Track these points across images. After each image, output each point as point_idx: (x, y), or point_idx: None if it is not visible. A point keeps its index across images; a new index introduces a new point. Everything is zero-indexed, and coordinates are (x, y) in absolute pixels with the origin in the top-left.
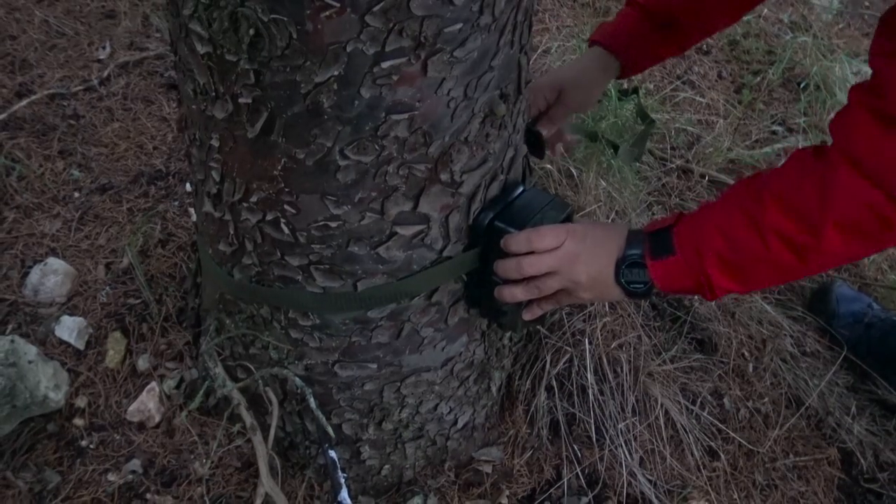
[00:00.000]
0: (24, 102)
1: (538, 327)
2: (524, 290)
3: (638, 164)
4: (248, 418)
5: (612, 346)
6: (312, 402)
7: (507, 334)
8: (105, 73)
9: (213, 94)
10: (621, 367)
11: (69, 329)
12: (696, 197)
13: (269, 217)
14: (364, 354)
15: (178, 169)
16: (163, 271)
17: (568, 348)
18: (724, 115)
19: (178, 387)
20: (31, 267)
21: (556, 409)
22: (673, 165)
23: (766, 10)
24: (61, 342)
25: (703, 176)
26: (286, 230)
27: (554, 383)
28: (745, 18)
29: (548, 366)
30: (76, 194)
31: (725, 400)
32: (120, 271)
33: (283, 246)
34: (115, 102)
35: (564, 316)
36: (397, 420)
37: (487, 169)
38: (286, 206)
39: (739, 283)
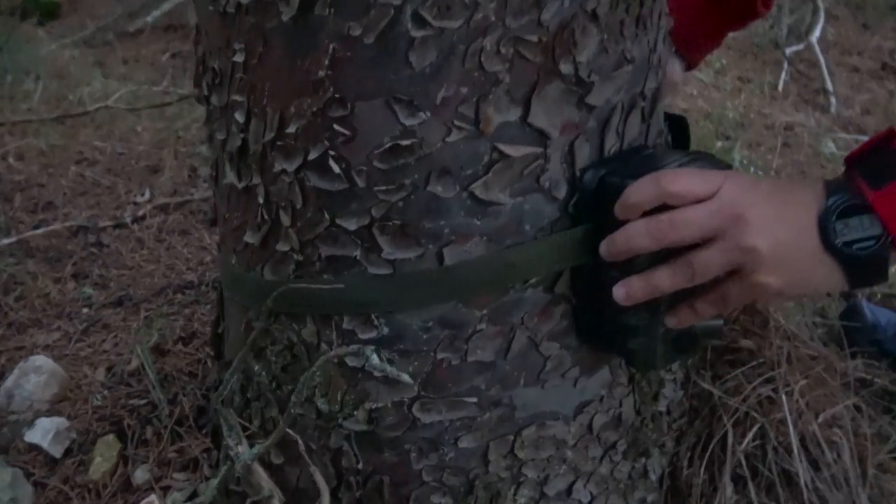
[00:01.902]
0: (39, 231)
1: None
2: (668, 274)
3: None
4: None
5: (820, 420)
6: (375, 359)
7: (664, 396)
8: (140, 213)
9: None
10: (839, 452)
11: (43, 431)
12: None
13: (312, 155)
14: (457, 384)
15: (214, 277)
16: (181, 369)
17: (757, 415)
18: None
19: (188, 500)
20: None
21: None
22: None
23: None
24: (31, 448)
25: (872, 294)
26: (337, 169)
27: (744, 468)
28: None
29: (730, 442)
30: (85, 310)
31: None
32: (125, 373)
33: (334, 201)
34: (148, 234)
35: (742, 375)
36: None
37: (625, 80)
38: (337, 128)
39: None
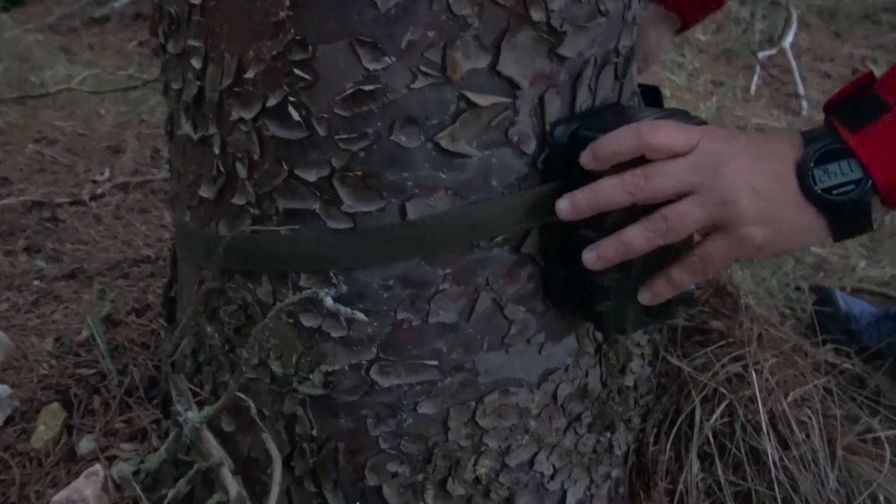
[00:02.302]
0: None
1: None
2: (640, 231)
3: None
4: (233, 487)
5: (789, 399)
6: (329, 301)
7: (631, 371)
8: (99, 191)
9: None
10: (808, 432)
11: None
12: None
13: (271, 102)
14: (418, 346)
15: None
16: (133, 340)
17: (725, 392)
18: (844, 250)
19: (136, 473)
20: None
21: (722, 486)
22: (802, 284)
23: None
24: None
25: (842, 288)
26: (297, 116)
27: (712, 446)
28: None
29: (698, 418)
30: (36, 282)
31: None
32: (74, 343)
33: (293, 151)
34: (106, 212)
35: (712, 353)
36: (471, 478)
37: (598, 34)
38: (297, 73)
39: None
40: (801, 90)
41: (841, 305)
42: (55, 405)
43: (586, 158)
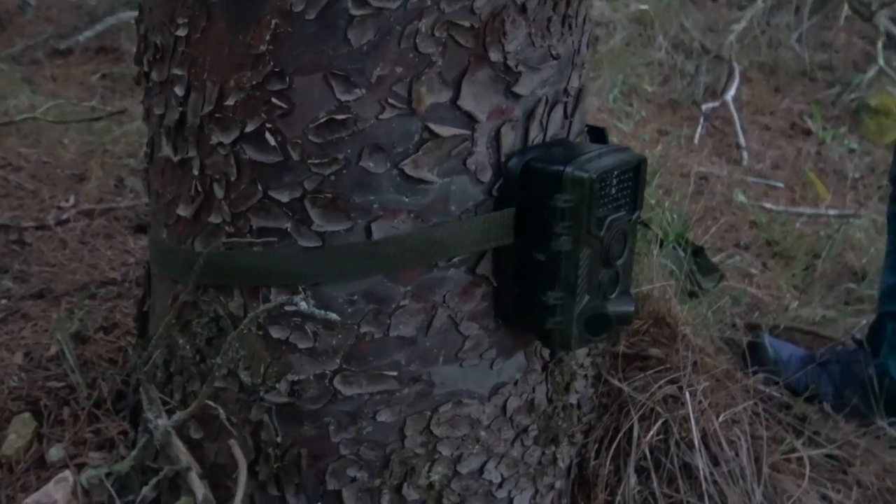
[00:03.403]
0: None
1: (602, 353)
2: None
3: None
4: (200, 491)
5: (720, 419)
6: (304, 305)
7: (575, 390)
8: (64, 216)
9: None
10: (737, 450)
11: None
12: None
13: (249, 128)
14: (379, 358)
15: (139, 275)
16: (101, 356)
17: (662, 411)
18: (778, 291)
19: (108, 475)
20: None
21: (657, 499)
22: (737, 322)
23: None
24: None
25: (775, 327)
26: (273, 142)
27: (648, 461)
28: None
29: (636, 435)
30: (3, 301)
31: None
32: (43, 358)
33: (268, 174)
34: (72, 236)
35: (650, 377)
36: (425, 484)
37: (550, 75)
38: (275, 101)
39: None
40: (742, 141)
41: (769, 353)
42: (26, 415)
43: None
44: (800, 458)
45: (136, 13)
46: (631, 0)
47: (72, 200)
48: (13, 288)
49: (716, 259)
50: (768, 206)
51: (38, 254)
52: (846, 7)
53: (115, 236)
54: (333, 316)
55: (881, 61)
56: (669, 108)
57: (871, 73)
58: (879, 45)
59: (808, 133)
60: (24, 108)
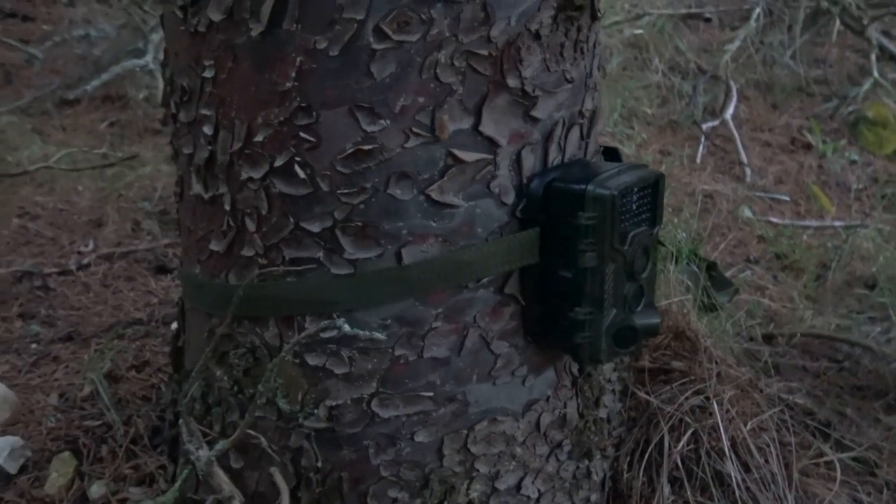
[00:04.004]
0: None
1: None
2: None
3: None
4: None
5: (748, 427)
6: (346, 327)
7: (604, 405)
8: (85, 261)
9: None
10: (766, 456)
11: None
12: (789, 361)
13: (278, 163)
14: (414, 380)
15: (164, 315)
16: (135, 393)
17: (690, 421)
18: (791, 302)
19: None
20: None
21: None
22: (755, 333)
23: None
24: None
25: (792, 336)
26: (302, 174)
27: (681, 470)
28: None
29: (667, 446)
30: (33, 346)
31: None
32: (78, 398)
33: (299, 206)
34: (94, 280)
35: (676, 389)
36: (465, 501)
37: (565, 98)
38: (302, 136)
39: None
40: (743, 158)
41: None
42: (66, 454)
43: None
44: (828, 463)
45: (139, 61)
46: (625, 25)
47: (91, 245)
48: (42, 332)
49: (728, 274)
50: (774, 220)
51: (63, 298)
52: (838, 22)
53: (137, 278)
54: (378, 335)
55: (875, 73)
56: (670, 129)
57: (867, 85)
58: (873, 57)
59: (808, 147)
60: (36, 158)
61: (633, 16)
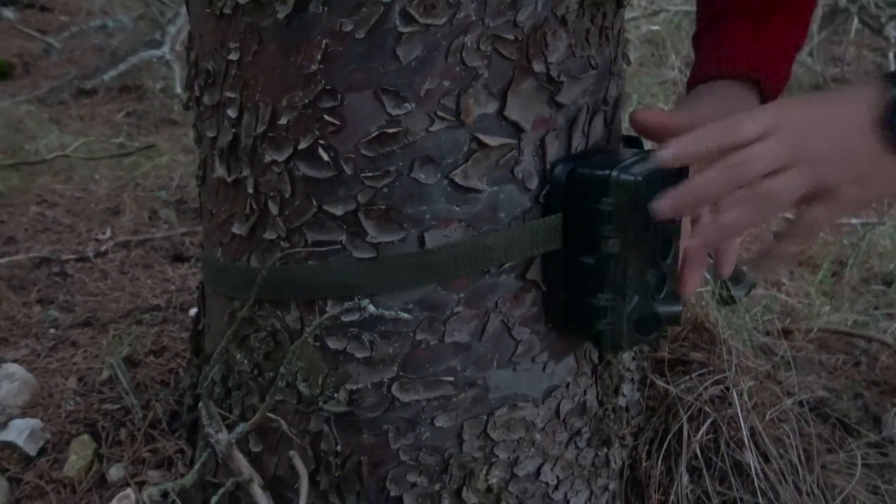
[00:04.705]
0: (2, 261)
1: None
2: (738, 212)
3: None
4: (263, 501)
5: (767, 417)
6: (371, 308)
7: (623, 394)
8: (102, 248)
9: None
10: (786, 447)
11: (18, 430)
12: (806, 355)
13: (302, 145)
14: (435, 364)
15: (182, 301)
16: (153, 378)
17: (710, 411)
18: (808, 297)
19: (165, 495)
20: None
21: (710, 497)
22: (772, 327)
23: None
24: (5, 446)
25: (808, 331)
26: (326, 157)
27: (700, 460)
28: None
29: (686, 435)
30: (52, 330)
31: None
32: (97, 382)
33: (322, 189)
34: (112, 267)
35: (695, 379)
36: (484, 488)
37: (589, 84)
38: (327, 118)
39: None
40: None
41: None
42: (85, 436)
43: (677, 146)
44: (848, 454)
45: (156, 52)
46: (642, 21)
47: (108, 233)
48: (60, 317)
49: (744, 269)
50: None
51: (81, 284)
52: (856, 20)
53: (154, 266)
54: (404, 315)
55: None
56: None
57: None
58: (891, 55)
59: None
60: (53, 147)
61: (650, 12)
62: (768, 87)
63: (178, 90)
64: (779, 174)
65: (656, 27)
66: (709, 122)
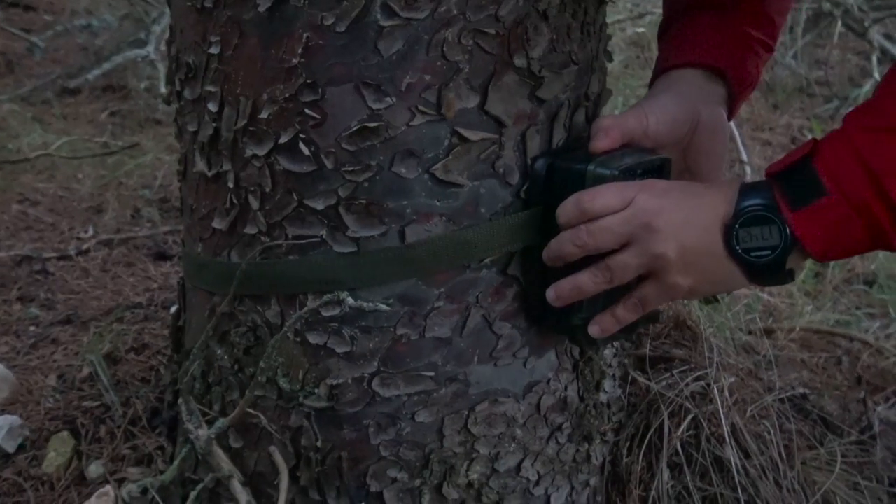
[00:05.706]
0: None
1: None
2: (589, 277)
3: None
4: (243, 497)
5: (748, 413)
6: (351, 300)
7: (604, 390)
8: (84, 247)
9: None
10: (766, 443)
11: None
12: (787, 354)
13: (283, 139)
14: (416, 359)
15: (163, 299)
16: (133, 375)
17: (691, 407)
18: (790, 297)
19: (145, 492)
20: None
21: (690, 493)
22: (754, 326)
23: None
24: None
25: (791, 330)
26: (307, 151)
27: (680, 456)
28: None
29: (667, 431)
30: (32, 328)
31: None
32: (76, 379)
33: (303, 183)
34: (93, 265)
35: (676, 376)
36: (464, 483)
37: (571, 79)
38: (308, 112)
39: None
40: (744, 157)
41: None
42: (64, 433)
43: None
44: (829, 450)
45: (141, 51)
46: (627, 24)
47: (91, 231)
48: (41, 315)
49: None
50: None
51: (62, 282)
52: (839, 24)
53: (136, 264)
54: (384, 307)
55: (877, 75)
56: None
57: (868, 87)
58: (874, 59)
59: None
60: (37, 146)
61: (635, 14)
62: (733, 79)
63: (163, 90)
64: (622, 250)
65: (642, 29)
66: (659, 116)
